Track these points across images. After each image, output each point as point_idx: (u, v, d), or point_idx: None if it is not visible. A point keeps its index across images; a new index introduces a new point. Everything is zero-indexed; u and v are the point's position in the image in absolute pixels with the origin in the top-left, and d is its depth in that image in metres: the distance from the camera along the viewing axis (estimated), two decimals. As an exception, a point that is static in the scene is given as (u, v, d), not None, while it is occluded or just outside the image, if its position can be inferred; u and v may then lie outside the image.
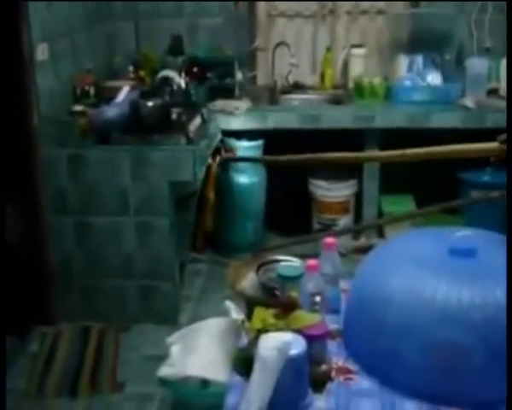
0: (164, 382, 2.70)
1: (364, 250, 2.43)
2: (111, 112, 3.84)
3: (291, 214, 5.05)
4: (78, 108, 3.97)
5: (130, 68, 4.77)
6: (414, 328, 1.95)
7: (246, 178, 4.79)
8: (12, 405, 3.32)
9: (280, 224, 5.04)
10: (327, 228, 4.92)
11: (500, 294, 1.91)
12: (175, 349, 2.73)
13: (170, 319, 3.94)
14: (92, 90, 4.17)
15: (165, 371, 2.68)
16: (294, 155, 4.49)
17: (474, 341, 1.88)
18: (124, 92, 4.03)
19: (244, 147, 4.75)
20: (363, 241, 4.90)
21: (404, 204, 4.96)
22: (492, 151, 2.83)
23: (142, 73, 4.69)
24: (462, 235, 2.12)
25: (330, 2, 5.23)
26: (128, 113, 3.81)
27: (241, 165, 4.76)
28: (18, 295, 3.86)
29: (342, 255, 2.56)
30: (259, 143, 4.78)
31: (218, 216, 4.85)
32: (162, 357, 2.82)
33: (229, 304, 2.52)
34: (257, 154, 4.80)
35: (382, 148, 4.70)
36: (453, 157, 3.85)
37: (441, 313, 1.92)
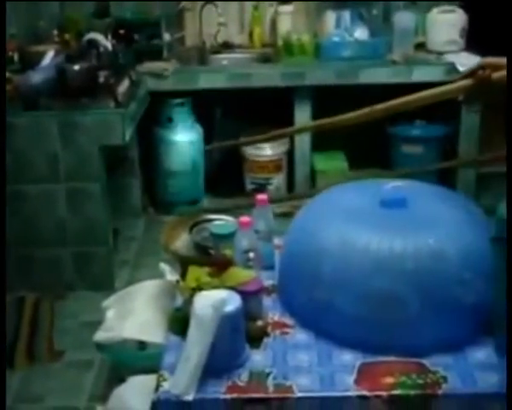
0: (101, 346, 2.69)
1: (297, 208, 2.44)
2: (37, 77, 3.76)
3: (225, 175, 5.04)
4: (2, 74, 3.87)
5: (55, 32, 4.64)
6: (348, 279, 1.97)
7: (176, 135, 4.82)
8: None
9: (214, 184, 5.03)
10: (260, 187, 4.92)
11: (433, 242, 1.94)
12: (110, 313, 2.71)
13: (106, 284, 3.91)
14: (16, 56, 4.06)
15: (101, 335, 2.66)
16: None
17: (407, 289, 1.91)
18: (49, 57, 3.94)
19: (171, 104, 4.76)
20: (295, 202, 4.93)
21: (336, 161, 4.99)
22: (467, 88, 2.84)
23: (67, 36, 4.58)
24: (393, 186, 2.14)
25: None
26: (54, 77, 3.74)
27: (176, 123, 4.80)
28: None
29: (277, 215, 2.56)
30: (187, 99, 4.81)
31: (154, 174, 4.89)
32: (99, 323, 2.80)
33: (163, 266, 2.52)
34: (186, 111, 4.82)
35: (313, 105, 4.72)
36: (427, 103, 3.91)
37: (374, 263, 1.94)
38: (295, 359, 1.94)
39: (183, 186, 4.88)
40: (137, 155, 4.77)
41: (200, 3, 5.16)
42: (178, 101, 4.76)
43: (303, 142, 4.84)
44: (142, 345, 2.48)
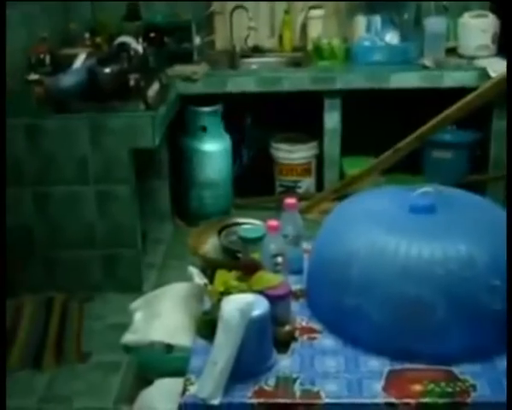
0: (128, 348, 2.69)
1: (326, 213, 2.43)
2: (68, 80, 3.78)
3: (254, 178, 5.03)
4: (33, 76, 3.89)
5: (87, 35, 4.68)
6: (376, 285, 1.96)
7: (209, 145, 4.73)
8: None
9: (244, 187, 5.02)
10: (289, 190, 4.92)
11: (461, 249, 1.92)
12: (138, 315, 2.72)
13: (133, 286, 3.92)
14: (48, 59, 4.08)
15: (128, 337, 2.66)
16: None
17: (435, 296, 1.90)
18: (80, 59, 3.96)
19: (204, 113, 4.69)
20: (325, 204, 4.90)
21: (365, 166, 4.96)
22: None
23: (98, 39, 4.62)
24: (422, 192, 2.13)
25: (287, -37, 5.17)
26: (85, 80, 3.75)
27: (208, 131, 4.72)
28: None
29: (304, 218, 2.55)
30: (218, 107, 4.73)
31: (181, 184, 4.83)
32: (127, 325, 2.80)
33: (191, 269, 2.52)
34: (217, 120, 4.76)
35: (344, 109, 4.70)
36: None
37: (403, 269, 1.93)
38: (323, 364, 1.93)
39: (213, 197, 4.80)
40: (167, 158, 4.76)
41: (231, 7, 5.16)
42: (211, 109, 4.69)
43: (332, 145, 4.82)
44: (169, 348, 2.47)
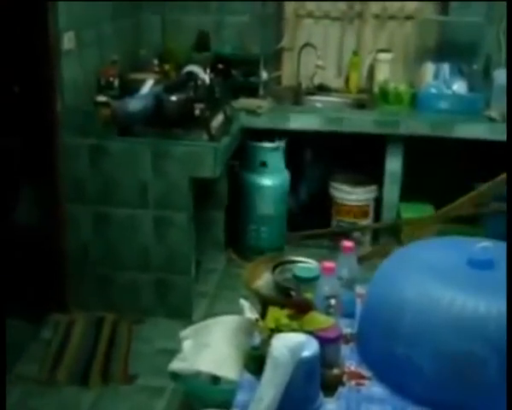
0: (175, 376, 2.70)
1: (382, 256, 2.42)
2: (134, 104, 3.85)
3: (312, 216, 5.03)
4: (101, 98, 3.96)
5: (155, 62, 4.76)
6: (428, 337, 1.93)
7: (269, 180, 4.75)
8: (24, 391, 3.33)
9: (301, 225, 5.01)
10: (346, 232, 4.91)
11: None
12: (187, 344, 2.72)
13: (184, 313, 3.95)
14: (116, 82, 4.17)
15: (176, 365, 2.67)
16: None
17: (489, 353, 1.86)
18: (148, 85, 4.03)
19: (266, 148, 4.72)
20: (381, 246, 4.88)
21: (423, 213, 4.93)
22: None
23: (166, 66, 4.69)
24: (481, 246, 2.10)
25: (358, 4, 5.19)
26: (151, 106, 3.81)
27: (268, 167, 4.73)
28: (32, 281, 3.88)
29: (360, 261, 2.53)
30: (282, 144, 4.75)
31: (238, 217, 4.85)
32: (175, 351, 2.81)
33: (243, 302, 2.52)
34: (279, 155, 4.77)
35: (405, 155, 4.68)
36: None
37: (457, 323, 1.90)
38: (369, 412, 1.91)
39: (268, 232, 4.81)
40: (226, 190, 4.78)
41: (300, 44, 5.20)
42: (273, 145, 4.72)
43: (392, 190, 4.80)
44: (216, 379, 2.47)
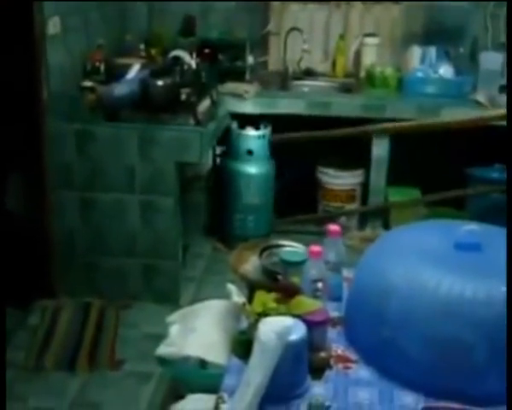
0: (162, 361, 2.69)
1: (369, 241, 2.42)
2: (120, 89, 3.83)
3: (299, 202, 5.03)
4: (87, 83, 3.94)
5: (142, 46, 4.74)
6: (415, 320, 1.94)
7: (254, 169, 4.71)
8: (11, 377, 3.32)
9: (287, 210, 5.01)
10: (333, 217, 4.91)
11: (505, 290, 1.89)
12: (174, 329, 2.72)
13: (171, 298, 3.95)
14: (102, 67, 4.14)
15: (163, 350, 2.67)
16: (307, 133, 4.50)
17: (476, 336, 1.87)
18: (134, 70, 4.01)
19: (251, 136, 4.69)
20: (367, 232, 4.88)
21: (410, 197, 4.94)
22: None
23: (153, 51, 4.67)
24: (468, 229, 2.10)
25: (345, -11, 5.19)
26: (137, 91, 3.80)
27: (254, 155, 4.69)
28: (19, 267, 3.86)
29: (347, 246, 2.54)
30: (266, 131, 4.72)
31: (223, 206, 4.83)
32: (162, 336, 2.80)
33: (230, 287, 2.52)
34: (265, 143, 4.73)
35: (392, 139, 4.68)
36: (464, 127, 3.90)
37: (444, 306, 1.90)
38: (356, 395, 1.91)
39: (255, 220, 4.77)
40: (213, 175, 4.77)
41: (286, 29, 5.18)
42: (259, 133, 4.68)
43: (378, 174, 4.81)
44: (203, 364, 2.47)
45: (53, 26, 3.79)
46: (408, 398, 1.90)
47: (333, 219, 4.58)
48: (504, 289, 1.89)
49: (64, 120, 3.83)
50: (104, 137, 3.82)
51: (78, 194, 3.90)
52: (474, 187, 4.91)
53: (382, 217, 4.97)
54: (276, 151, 4.80)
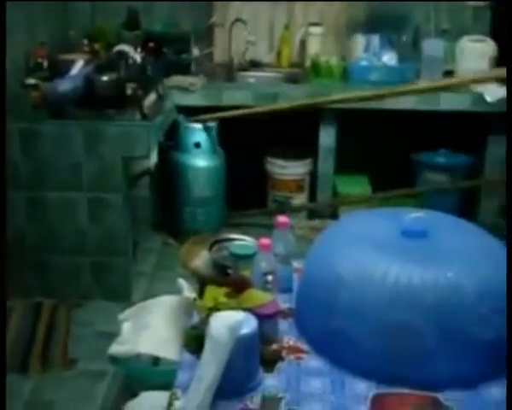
0: (115, 359, 2.69)
1: (318, 230, 2.44)
2: (65, 85, 3.78)
3: (249, 193, 5.03)
4: (30, 81, 3.88)
5: (85, 42, 4.68)
6: (365, 309, 1.96)
7: (203, 161, 4.68)
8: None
9: (237, 201, 5.01)
10: (282, 206, 4.94)
11: (452, 276, 1.93)
12: (126, 326, 2.71)
13: (123, 295, 3.92)
14: (46, 63, 4.08)
15: (116, 348, 2.66)
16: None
17: (424, 322, 1.90)
18: (78, 66, 3.96)
19: (198, 129, 4.66)
20: (317, 222, 4.91)
21: (358, 185, 4.98)
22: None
23: (96, 46, 4.62)
24: (414, 216, 2.13)
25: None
26: (82, 87, 3.76)
27: (202, 147, 4.67)
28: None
29: (297, 236, 2.55)
30: (213, 124, 4.70)
31: (172, 200, 4.80)
32: (114, 334, 2.79)
33: (181, 282, 2.52)
34: (212, 137, 4.70)
35: (339, 127, 4.71)
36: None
37: (392, 294, 1.93)
38: (308, 385, 1.93)
39: (206, 214, 4.75)
40: (160, 169, 4.75)
41: (231, 20, 5.18)
42: (205, 126, 4.66)
43: (326, 163, 4.83)
44: (156, 361, 2.47)
45: (-7, 23, 3.73)
46: (360, 386, 1.92)
47: (283, 210, 4.59)
48: (450, 274, 1.93)
49: (8, 118, 3.77)
50: (49, 134, 3.77)
51: (25, 193, 3.85)
52: (420, 173, 4.97)
53: (331, 207, 5.00)
54: (225, 143, 4.80)
